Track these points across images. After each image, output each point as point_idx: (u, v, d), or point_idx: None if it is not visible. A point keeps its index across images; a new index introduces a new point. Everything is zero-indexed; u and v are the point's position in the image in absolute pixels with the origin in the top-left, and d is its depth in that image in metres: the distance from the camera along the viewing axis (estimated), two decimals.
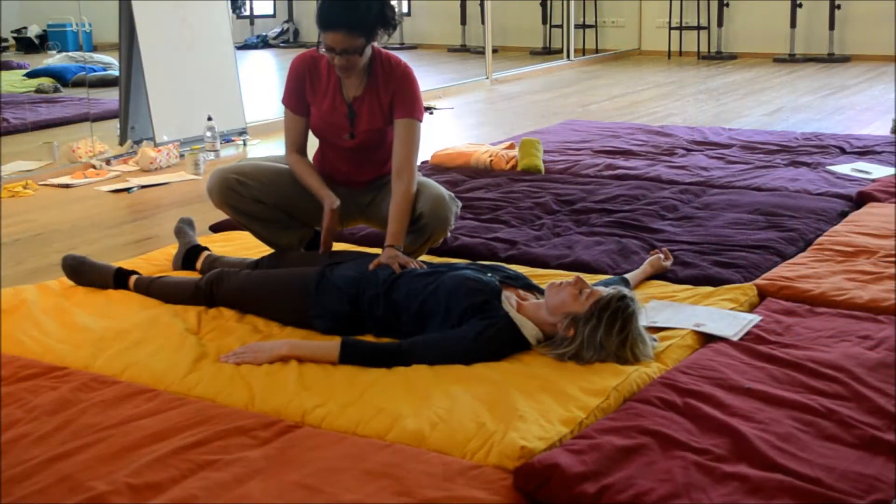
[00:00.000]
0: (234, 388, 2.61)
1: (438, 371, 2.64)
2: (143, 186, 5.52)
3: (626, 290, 2.76)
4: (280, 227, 3.45)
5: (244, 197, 3.38)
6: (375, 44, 3.30)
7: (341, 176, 3.48)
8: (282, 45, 13.82)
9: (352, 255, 3.31)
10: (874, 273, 3.36)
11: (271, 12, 14.57)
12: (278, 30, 14.11)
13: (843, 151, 5.57)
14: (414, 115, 3.33)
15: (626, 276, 3.32)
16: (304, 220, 3.48)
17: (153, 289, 3.29)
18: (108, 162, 6.05)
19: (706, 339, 2.88)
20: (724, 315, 3.01)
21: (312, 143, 3.49)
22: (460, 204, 3.50)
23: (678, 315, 3.01)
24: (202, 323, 3.08)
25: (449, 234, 3.52)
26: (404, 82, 3.35)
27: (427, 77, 9.71)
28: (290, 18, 14.16)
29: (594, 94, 8.84)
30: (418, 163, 3.40)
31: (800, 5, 10.76)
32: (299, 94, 3.39)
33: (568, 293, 2.76)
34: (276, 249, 3.47)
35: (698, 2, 11.43)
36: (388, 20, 3.25)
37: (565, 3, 11.46)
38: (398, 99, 3.34)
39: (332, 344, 2.76)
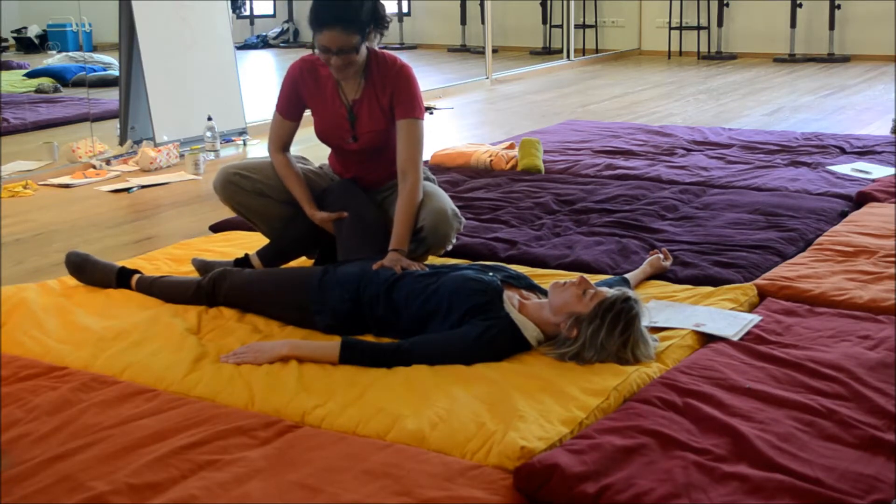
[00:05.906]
0: (234, 388, 2.61)
1: (438, 371, 2.64)
2: (143, 186, 5.51)
3: (630, 292, 2.76)
4: (287, 221, 3.46)
5: (247, 191, 3.41)
6: (370, 45, 3.30)
7: (355, 178, 3.50)
8: (282, 45, 13.82)
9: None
10: (874, 273, 3.36)
11: (271, 12, 14.58)
12: (278, 30, 14.11)
13: (843, 151, 5.57)
14: (414, 115, 3.32)
15: (626, 276, 3.32)
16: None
17: (155, 288, 3.29)
18: (108, 162, 6.05)
19: (706, 339, 2.88)
20: (724, 315, 3.01)
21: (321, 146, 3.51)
22: (463, 221, 3.48)
23: (678, 315, 3.01)
24: (202, 323, 3.08)
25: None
26: (402, 81, 3.34)
27: (427, 77, 9.71)
28: (290, 18, 14.16)
29: (594, 94, 8.83)
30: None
31: (800, 5, 10.76)
32: (293, 101, 3.43)
33: (571, 293, 2.75)
34: (283, 247, 3.48)
35: (698, 2, 11.43)
36: (380, 18, 3.27)
37: (565, 3, 11.45)
38: (397, 99, 3.33)
39: (332, 344, 2.76)
